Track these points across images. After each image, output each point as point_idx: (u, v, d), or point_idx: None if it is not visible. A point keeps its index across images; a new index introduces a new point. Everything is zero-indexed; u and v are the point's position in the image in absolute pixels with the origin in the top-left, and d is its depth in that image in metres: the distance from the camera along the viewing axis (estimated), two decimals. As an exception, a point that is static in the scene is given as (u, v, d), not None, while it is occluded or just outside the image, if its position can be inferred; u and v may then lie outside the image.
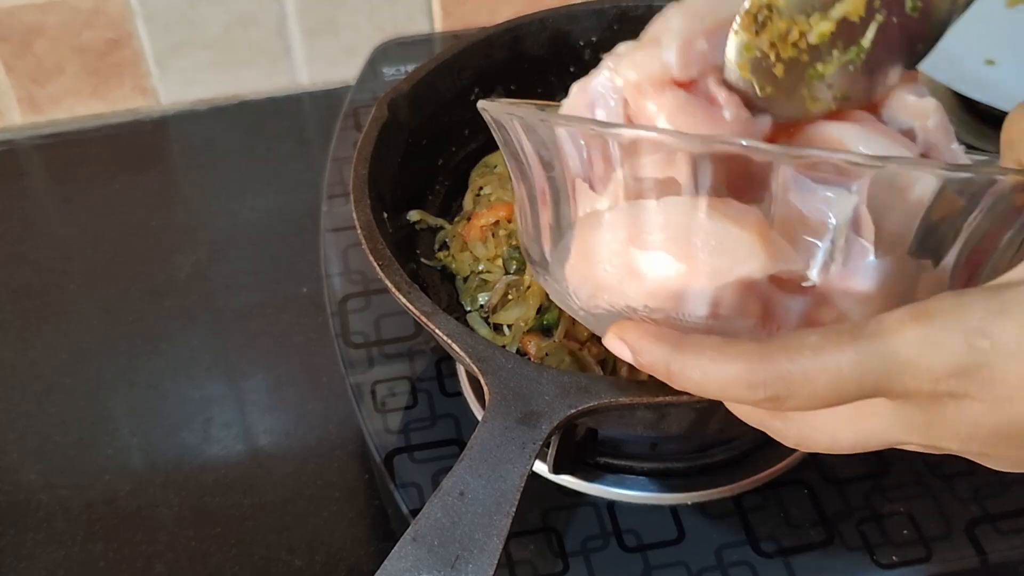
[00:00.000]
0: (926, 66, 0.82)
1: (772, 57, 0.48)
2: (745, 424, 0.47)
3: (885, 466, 0.68)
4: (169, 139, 1.01)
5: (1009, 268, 0.41)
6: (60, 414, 0.76)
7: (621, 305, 0.49)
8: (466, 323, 0.68)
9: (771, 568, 0.63)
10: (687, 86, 0.49)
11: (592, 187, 0.49)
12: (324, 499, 0.70)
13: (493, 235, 0.73)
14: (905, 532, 0.64)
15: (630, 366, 0.57)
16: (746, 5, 0.48)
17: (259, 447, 0.74)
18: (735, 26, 0.48)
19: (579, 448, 0.64)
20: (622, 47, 0.51)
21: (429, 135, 0.73)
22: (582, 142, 0.48)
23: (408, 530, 0.49)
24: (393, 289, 0.60)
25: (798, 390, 0.40)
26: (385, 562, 0.49)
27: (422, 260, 0.73)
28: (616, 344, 0.47)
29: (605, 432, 0.67)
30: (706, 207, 0.45)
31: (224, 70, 1.02)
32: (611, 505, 0.66)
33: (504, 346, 0.63)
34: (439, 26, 1.04)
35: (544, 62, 0.77)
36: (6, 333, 0.82)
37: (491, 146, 0.75)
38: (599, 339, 0.49)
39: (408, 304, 0.59)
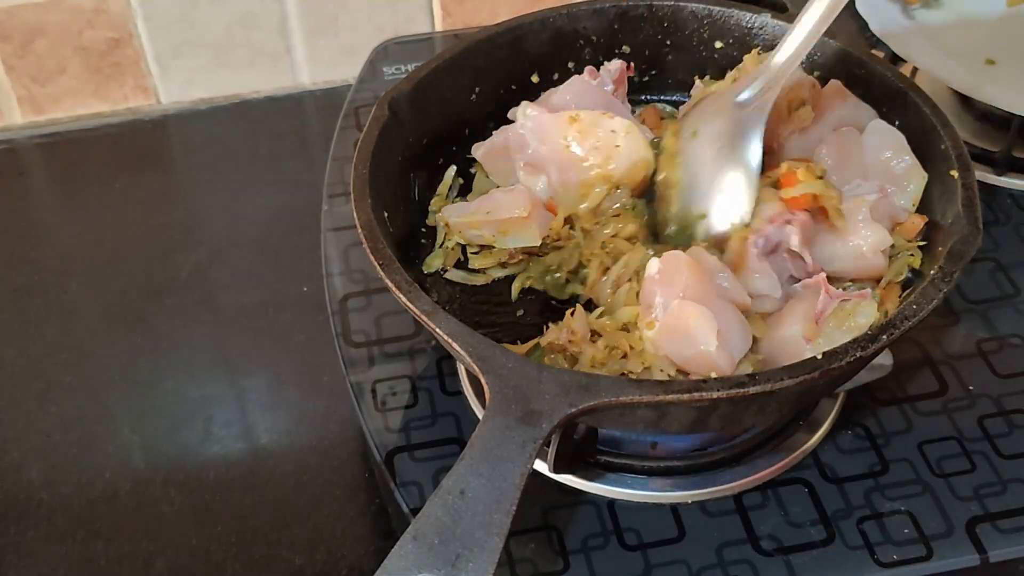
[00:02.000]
0: (926, 65, 0.82)
1: None
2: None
3: (885, 465, 0.68)
4: (169, 139, 1.01)
5: None
6: (61, 413, 0.76)
7: None
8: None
9: (771, 567, 0.63)
10: None
11: None
12: (325, 497, 0.70)
13: None
14: (906, 531, 0.64)
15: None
16: None
17: (260, 446, 0.74)
18: None
19: (579, 447, 0.64)
20: None
21: (429, 135, 0.73)
22: None
23: (409, 528, 0.50)
24: (393, 288, 0.60)
25: None
26: (386, 560, 0.49)
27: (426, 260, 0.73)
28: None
29: (605, 431, 0.67)
30: None
31: (224, 70, 1.02)
32: (611, 503, 0.66)
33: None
34: (439, 26, 1.04)
35: (545, 62, 0.77)
36: (6, 333, 0.82)
37: (491, 145, 0.75)
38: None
39: (408, 303, 0.59)
